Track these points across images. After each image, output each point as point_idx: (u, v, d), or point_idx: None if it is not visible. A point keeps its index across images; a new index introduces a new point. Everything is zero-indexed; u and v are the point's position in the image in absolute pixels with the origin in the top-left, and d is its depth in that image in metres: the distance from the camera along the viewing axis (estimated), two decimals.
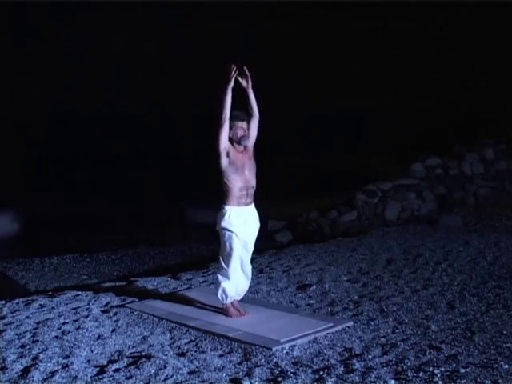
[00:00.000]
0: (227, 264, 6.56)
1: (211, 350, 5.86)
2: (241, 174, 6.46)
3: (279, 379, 5.09)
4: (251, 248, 6.68)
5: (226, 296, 6.64)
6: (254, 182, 6.59)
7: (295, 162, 22.14)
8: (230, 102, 6.35)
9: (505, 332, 6.04)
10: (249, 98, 6.58)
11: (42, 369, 5.39)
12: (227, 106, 6.34)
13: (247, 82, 6.50)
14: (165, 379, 5.16)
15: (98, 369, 5.41)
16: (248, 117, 6.58)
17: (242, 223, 6.50)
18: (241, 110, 6.58)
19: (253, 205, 6.66)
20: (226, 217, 6.48)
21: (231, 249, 6.50)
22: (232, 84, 6.35)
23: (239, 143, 6.50)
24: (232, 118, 6.47)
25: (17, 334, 6.33)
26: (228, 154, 6.43)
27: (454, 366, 5.21)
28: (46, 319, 6.80)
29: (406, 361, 5.36)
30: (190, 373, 5.28)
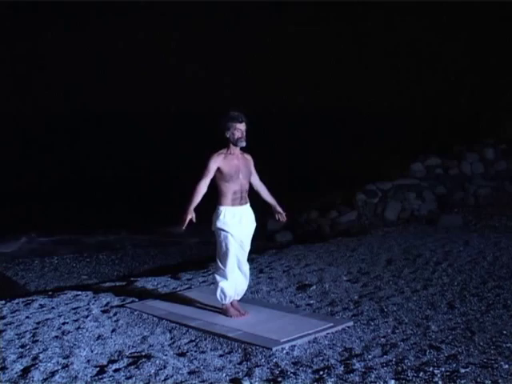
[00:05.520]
0: (224, 264, 6.56)
1: (211, 349, 5.85)
2: (235, 180, 6.50)
3: (279, 379, 5.09)
4: (247, 247, 6.69)
5: (225, 296, 6.64)
6: (247, 186, 6.64)
7: (294, 161, 22.13)
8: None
9: (505, 332, 6.04)
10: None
11: (42, 369, 5.39)
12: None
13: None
14: (165, 379, 5.16)
15: (97, 369, 5.41)
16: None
17: (237, 223, 6.50)
18: (240, 111, 6.57)
19: (248, 204, 6.67)
20: (221, 217, 6.48)
21: (227, 248, 6.51)
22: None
23: (235, 145, 6.51)
24: (230, 119, 6.47)
25: (17, 334, 6.33)
26: (220, 169, 6.46)
27: (454, 366, 5.20)
28: (46, 319, 6.80)
29: (406, 361, 5.36)
30: (190, 373, 5.28)
